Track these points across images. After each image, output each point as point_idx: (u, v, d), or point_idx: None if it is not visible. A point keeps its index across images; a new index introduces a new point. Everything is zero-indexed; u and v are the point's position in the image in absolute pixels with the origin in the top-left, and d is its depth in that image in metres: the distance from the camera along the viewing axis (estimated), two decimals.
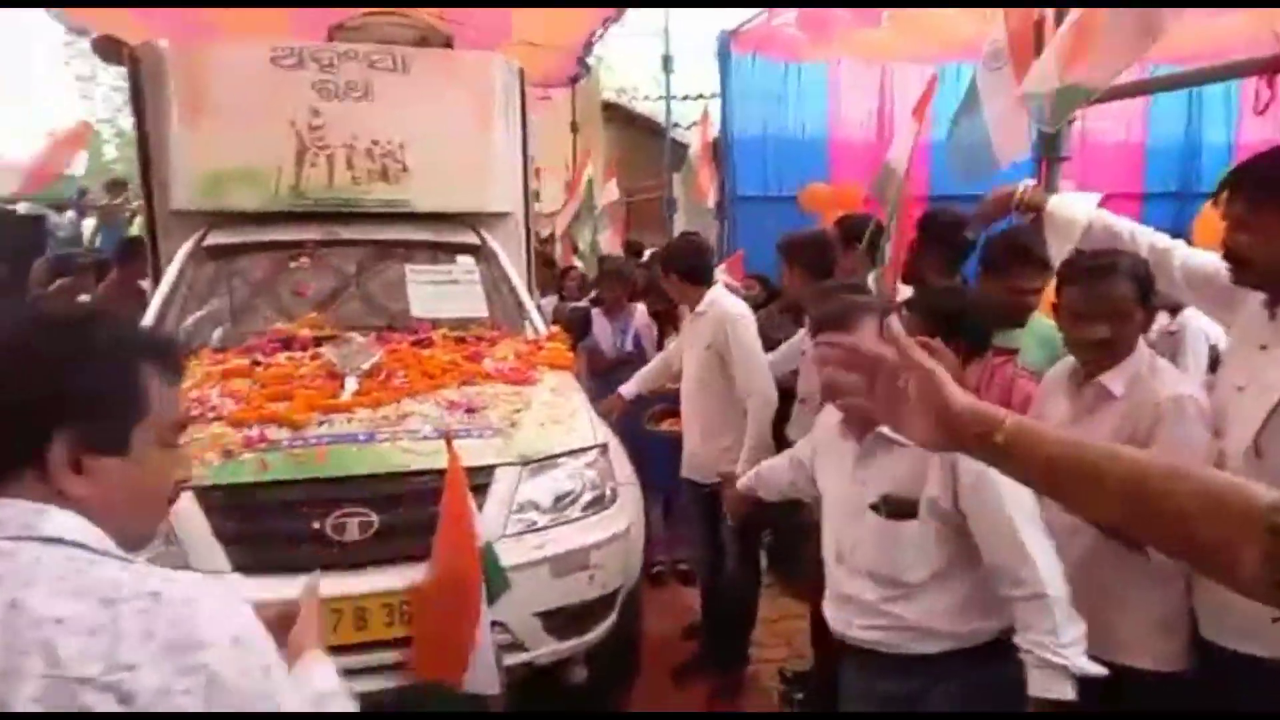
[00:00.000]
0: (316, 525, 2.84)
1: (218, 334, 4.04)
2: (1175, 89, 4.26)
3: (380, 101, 4.70)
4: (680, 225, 7.95)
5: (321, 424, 3.10)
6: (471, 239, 4.76)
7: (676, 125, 8.56)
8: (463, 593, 2.79)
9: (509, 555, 2.93)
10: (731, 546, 3.92)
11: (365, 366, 3.43)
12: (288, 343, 3.89)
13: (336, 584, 2.76)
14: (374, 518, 2.89)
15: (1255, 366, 2.01)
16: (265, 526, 2.85)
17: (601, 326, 5.71)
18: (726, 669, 4.08)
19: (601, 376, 5.34)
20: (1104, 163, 6.88)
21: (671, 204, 8.44)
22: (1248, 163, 2.05)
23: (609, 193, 8.85)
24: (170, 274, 4.32)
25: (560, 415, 3.37)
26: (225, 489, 2.84)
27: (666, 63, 8.30)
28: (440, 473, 2.88)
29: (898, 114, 6.51)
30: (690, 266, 3.93)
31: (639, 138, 11.52)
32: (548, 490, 3.13)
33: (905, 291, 3.42)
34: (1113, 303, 2.19)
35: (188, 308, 4.22)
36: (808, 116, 6.61)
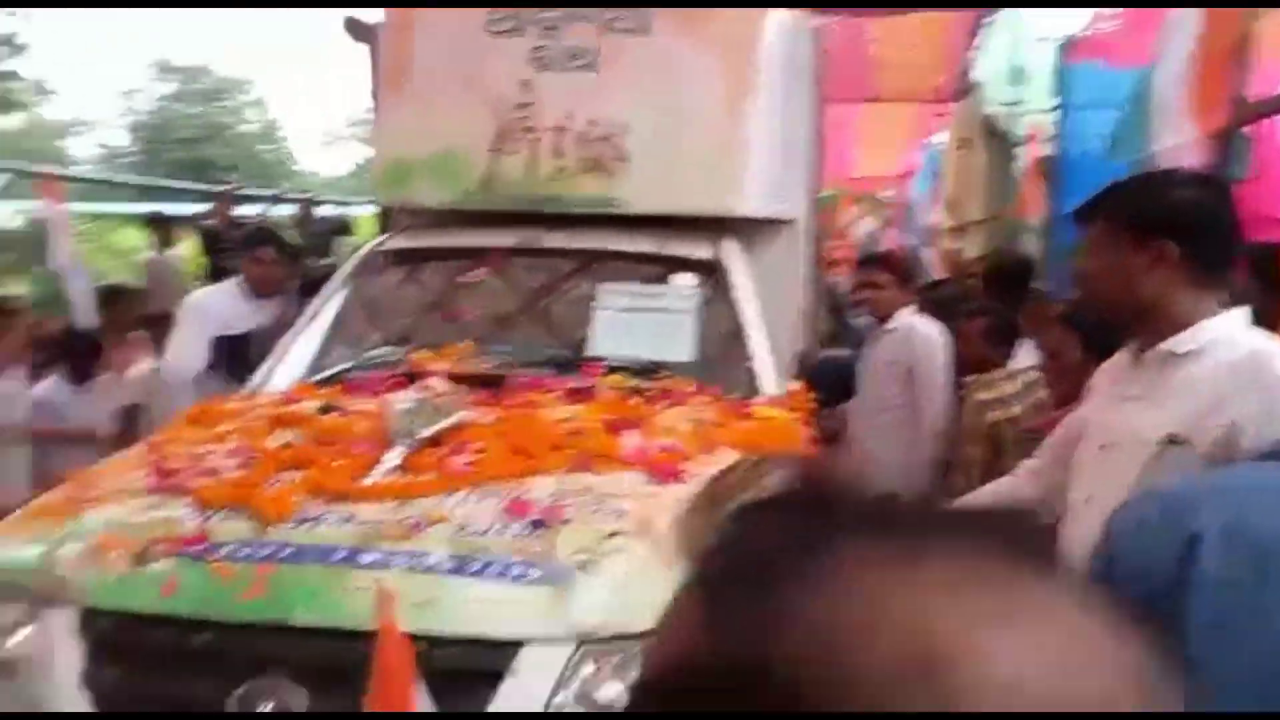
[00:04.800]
0: (216, 696, 1.72)
1: (336, 364, 3.15)
2: None
3: (607, 71, 3.55)
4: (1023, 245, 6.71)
5: (304, 522, 1.98)
6: (703, 253, 3.43)
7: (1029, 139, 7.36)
8: None
9: None
10: None
11: (426, 432, 2.26)
12: (412, 381, 2.88)
13: None
14: (302, 697, 1.70)
15: (1122, 420, 1.69)
16: (149, 685, 1.78)
17: None
18: None
19: None
20: None
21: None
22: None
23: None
24: (330, 287, 3.53)
25: None
26: (111, 616, 1.82)
27: (1015, 75, 7.56)
28: (430, 642, 1.64)
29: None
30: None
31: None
32: (620, 694, 1.73)
33: None
34: None
35: (339, 329, 3.39)
36: None
